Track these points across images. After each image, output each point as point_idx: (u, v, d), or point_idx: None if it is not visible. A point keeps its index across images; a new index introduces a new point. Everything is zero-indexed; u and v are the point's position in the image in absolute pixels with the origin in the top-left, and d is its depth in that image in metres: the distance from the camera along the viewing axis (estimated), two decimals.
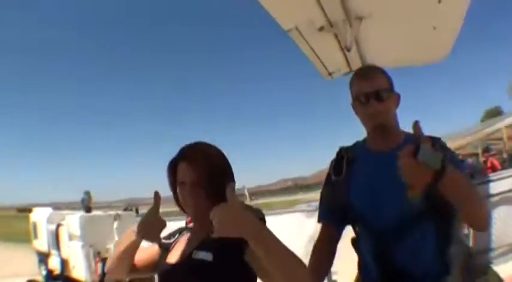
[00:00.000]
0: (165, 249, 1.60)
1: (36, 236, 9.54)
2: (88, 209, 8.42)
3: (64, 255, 8.17)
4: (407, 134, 1.74)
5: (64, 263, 8.22)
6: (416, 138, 1.30)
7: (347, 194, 1.79)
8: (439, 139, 1.64)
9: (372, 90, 1.65)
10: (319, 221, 2.00)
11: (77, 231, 7.58)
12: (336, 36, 2.52)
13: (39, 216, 9.52)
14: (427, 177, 1.25)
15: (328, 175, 1.92)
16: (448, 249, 1.60)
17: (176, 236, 1.64)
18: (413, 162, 1.23)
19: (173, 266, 1.49)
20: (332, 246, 1.94)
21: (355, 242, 1.89)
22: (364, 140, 1.86)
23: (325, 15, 2.27)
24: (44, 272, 9.34)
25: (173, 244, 1.61)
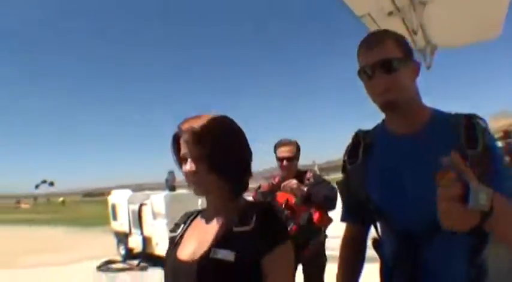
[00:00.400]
0: (172, 242, 1.45)
1: (115, 217, 10.07)
2: (172, 188, 8.79)
3: (147, 233, 8.59)
4: (434, 112, 1.45)
5: (146, 241, 8.64)
6: (460, 173, 1.01)
7: (363, 186, 1.55)
8: (475, 117, 1.36)
9: (379, 59, 1.36)
10: (341, 219, 1.78)
11: (162, 210, 7.95)
12: (403, 20, 2.81)
13: (119, 198, 10.04)
14: (472, 221, 1.00)
15: (343, 164, 1.68)
16: (483, 251, 1.35)
17: (182, 226, 1.47)
18: (460, 209, 0.96)
19: (188, 264, 1.30)
20: (358, 247, 1.72)
21: (376, 243, 1.63)
22: (383, 121, 1.58)
23: (393, 1, 2.56)
24: (122, 252, 9.85)
25: (181, 235, 1.44)
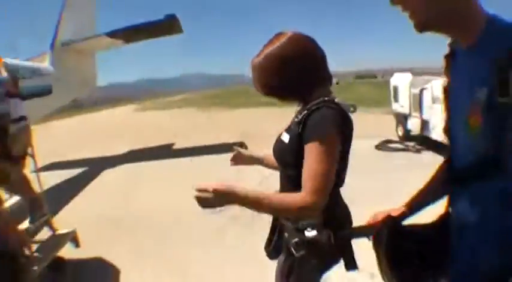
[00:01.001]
0: None
1: (396, 99, 10.95)
2: None
3: (425, 117, 9.31)
4: (491, 21, 1.14)
5: (424, 124, 9.39)
6: None
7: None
8: None
9: None
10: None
11: (441, 94, 8.27)
12: None
13: (400, 81, 10.80)
14: None
15: None
16: None
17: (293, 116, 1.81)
18: None
19: (275, 143, 1.84)
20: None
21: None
22: None
23: None
24: (400, 133, 10.88)
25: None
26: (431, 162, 2.13)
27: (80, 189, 8.30)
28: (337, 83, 66.50)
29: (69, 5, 12.11)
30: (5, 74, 4.69)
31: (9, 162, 4.50)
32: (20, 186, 4.72)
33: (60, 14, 11.90)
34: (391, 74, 12.27)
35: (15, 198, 5.20)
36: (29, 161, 4.72)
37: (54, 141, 16.44)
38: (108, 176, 9.70)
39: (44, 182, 4.97)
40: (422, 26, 1.16)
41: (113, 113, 36.42)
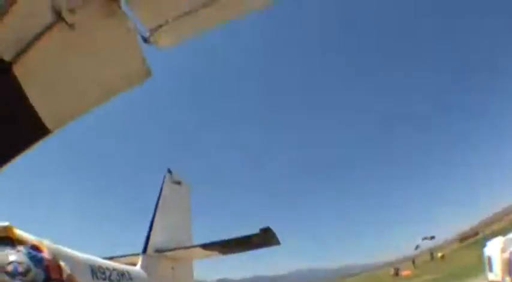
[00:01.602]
0: None
1: (490, 269, 10.19)
2: None
3: None
4: None
5: None
6: None
7: None
8: None
9: None
10: None
11: None
12: None
13: (493, 249, 10.16)
14: None
15: None
16: None
17: None
18: None
19: None
20: None
21: None
22: None
23: None
24: None
25: None
26: None
27: None
28: (442, 257, 61.22)
29: (161, 209, 12.46)
30: (46, 255, 5.16)
31: None
32: None
33: (152, 217, 12.20)
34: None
35: None
36: None
37: None
38: None
39: None
40: None
41: None
